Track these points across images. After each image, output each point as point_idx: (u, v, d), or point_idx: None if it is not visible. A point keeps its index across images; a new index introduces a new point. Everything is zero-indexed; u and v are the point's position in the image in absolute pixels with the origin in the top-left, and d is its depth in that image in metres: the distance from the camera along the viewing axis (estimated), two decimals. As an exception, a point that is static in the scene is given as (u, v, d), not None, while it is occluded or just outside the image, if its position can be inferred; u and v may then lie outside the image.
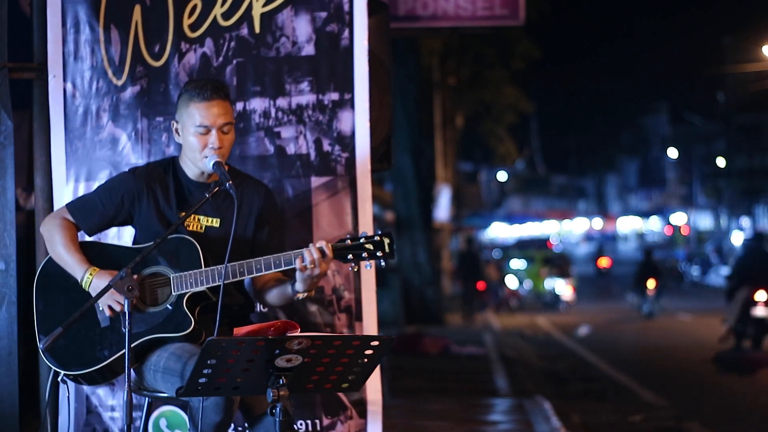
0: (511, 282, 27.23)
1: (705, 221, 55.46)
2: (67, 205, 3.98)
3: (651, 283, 22.86)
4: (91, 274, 3.74)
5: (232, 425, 4.11)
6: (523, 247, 34.92)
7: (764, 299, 13.44)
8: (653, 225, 69.85)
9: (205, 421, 3.55)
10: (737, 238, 41.56)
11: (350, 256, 3.67)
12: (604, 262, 35.47)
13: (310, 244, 3.66)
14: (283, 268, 3.69)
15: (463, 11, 9.44)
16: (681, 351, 14.97)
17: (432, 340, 14.02)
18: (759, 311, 13.40)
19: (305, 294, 3.75)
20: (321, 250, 3.63)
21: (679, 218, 59.94)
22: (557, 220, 67.21)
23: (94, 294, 3.70)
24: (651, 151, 69.78)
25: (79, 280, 3.77)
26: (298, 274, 3.68)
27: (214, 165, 3.77)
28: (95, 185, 4.60)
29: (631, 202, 77.59)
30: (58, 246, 3.84)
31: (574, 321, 21.62)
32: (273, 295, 3.87)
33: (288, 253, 3.69)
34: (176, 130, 3.89)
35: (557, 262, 28.20)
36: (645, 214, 71.23)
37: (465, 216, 41.96)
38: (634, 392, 10.77)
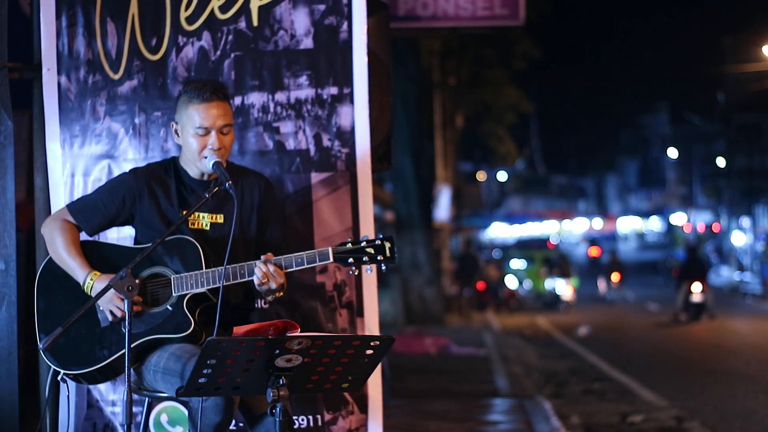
0: (511, 282, 27.26)
1: (705, 221, 55.43)
2: (67, 205, 3.97)
3: (615, 277, 29.23)
4: (92, 279, 3.74)
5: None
6: (523, 247, 34.99)
7: (699, 290, 20.40)
8: (653, 225, 69.84)
9: (205, 422, 3.55)
10: (738, 238, 41.60)
11: (351, 260, 3.67)
12: (593, 251, 38.81)
13: (263, 258, 3.67)
14: (284, 270, 3.69)
15: (463, 11, 9.44)
16: (681, 351, 14.97)
17: (432, 340, 14.02)
18: (695, 298, 20.47)
19: (271, 297, 3.76)
20: (277, 265, 3.65)
21: (679, 218, 59.93)
22: (557, 220, 67.19)
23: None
24: (651, 151, 69.79)
25: (81, 284, 3.77)
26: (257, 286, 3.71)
27: (213, 165, 3.77)
28: (91, 180, 4.61)
29: (631, 202, 77.58)
30: (59, 249, 3.84)
31: (574, 321, 21.62)
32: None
33: (289, 255, 3.69)
34: (176, 131, 3.89)
35: (557, 262, 28.23)
36: (645, 214, 71.23)
37: (465, 216, 41.94)
38: (634, 392, 10.75)
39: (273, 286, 3.67)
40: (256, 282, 3.68)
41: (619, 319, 22.36)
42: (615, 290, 29.59)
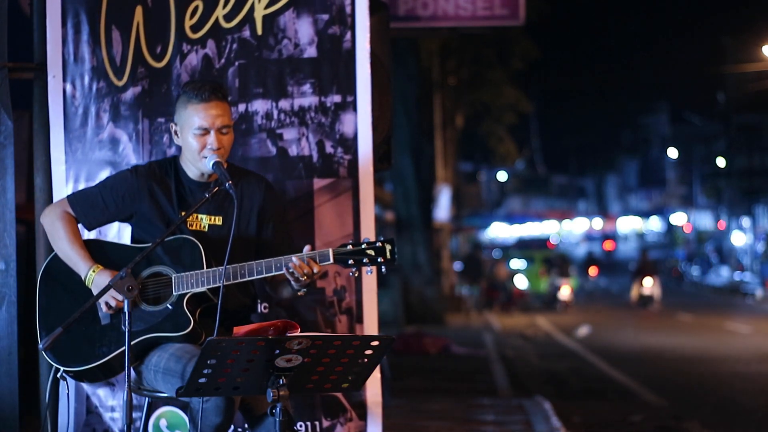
0: (520, 282, 27.28)
1: (705, 221, 55.43)
2: (68, 197, 3.98)
3: (593, 270, 35.58)
4: (93, 272, 3.75)
5: (232, 426, 4.11)
6: (523, 247, 35.12)
7: (649, 284, 25.73)
8: (653, 225, 69.84)
9: (206, 423, 3.55)
10: (738, 238, 41.62)
11: (351, 262, 3.68)
12: (608, 245, 42.34)
13: (305, 251, 3.67)
14: (283, 271, 3.70)
15: (463, 11, 9.44)
16: (681, 351, 14.97)
17: (432, 340, 14.01)
18: (645, 291, 25.80)
19: (304, 291, 3.77)
20: (308, 263, 3.65)
21: (679, 218, 59.92)
22: (557, 220, 67.18)
23: (95, 291, 3.72)
24: (651, 151, 69.76)
25: (83, 277, 3.78)
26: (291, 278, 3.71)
27: (213, 165, 3.77)
28: (94, 186, 4.61)
29: (631, 202, 77.54)
30: (62, 240, 3.84)
31: (574, 321, 21.63)
32: (282, 290, 3.89)
33: (288, 256, 3.70)
34: (175, 132, 3.89)
35: (557, 262, 28.30)
36: (645, 214, 71.20)
37: (465, 216, 41.96)
38: (634, 392, 10.76)
39: (308, 280, 3.67)
40: (295, 284, 3.69)
41: (619, 319, 22.38)
42: (592, 281, 35.77)
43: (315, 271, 3.68)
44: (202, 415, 3.54)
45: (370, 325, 4.68)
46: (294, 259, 3.66)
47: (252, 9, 4.68)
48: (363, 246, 3.69)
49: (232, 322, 3.76)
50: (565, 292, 26.43)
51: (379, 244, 3.69)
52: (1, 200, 4.73)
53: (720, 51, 40.36)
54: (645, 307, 25.34)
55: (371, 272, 3.72)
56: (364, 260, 3.68)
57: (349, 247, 3.70)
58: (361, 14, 4.70)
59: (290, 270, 3.66)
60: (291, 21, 4.69)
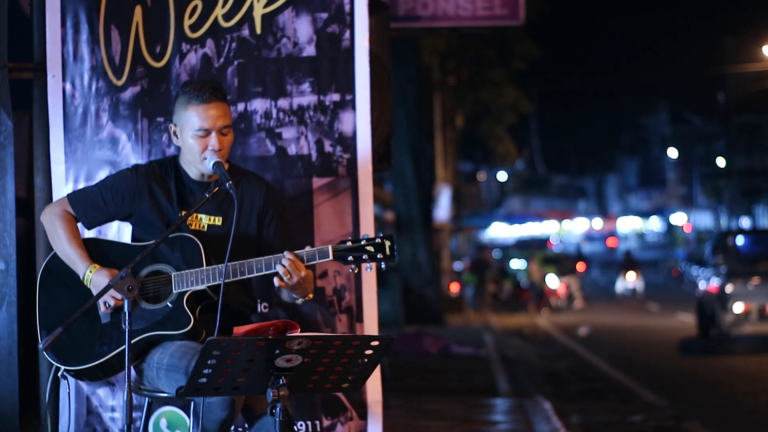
0: (552, 281, 27.25)
1: (705, 221, 55.42)
2: (67, 195, 3.97)
3: (580, 266, 36.68)
4: (91, 271, 3.76)
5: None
6: (522, 247, 35.23)
7: (632, 278, 30.22)
8: (653, 225, 69.87)
9: (211, 417, 3.55)
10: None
11: (351, 258, 3.67)
12: (611, 242, 43.99)
13: (284, 255, 3.66)
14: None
15: (463, 11, 9.45)
16: (681, 351, 14.97)
17: (432, 340, 14.01)
18: (629, 284, 30.30)
19: (301, 299, 3.77)
20: (290, 261, 3.64)
21: (679, 218, 59.94)
22: (557, 220, 67.20)
23: (94, 290, 3.73)
24: (651, 151, 69.81)
25: (81, 276, 3.78)
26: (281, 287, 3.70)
27: (214, 165, 3.77)
28: (94, 186, 4.61)
29: (631, 202, 77.59)
30: (61, 239, 3.85)
31: (574, 321, 21.63)
32: (283, 294, 3.88)
33: (283, 254, 3.68)
34: (174, 133, 3.88)
35: (556, 261, 28.42)
36: (645, 214, 71.25)
37: (465, 216, 41.99)
38: (634, 392, 10.76)
39: (295, 279, 3.65)
40: (277, 283, 3.67)
41: (619, 320, 22.38)
42: (580, 278, 37.52)
43: (303, 274, 3.66)
44: (208, 409, 3.54)
45: (370, 324, 4.68)
46: (283, 260, 3.65)
47: (251, 8, 4.67)
48: (362, 242, 3.67)
49: (233, 321, 3.75)
50: (561, 291, 26.63)
51: (378, 240, 3.67)
52: (1, 200, 4.73)
53: (720, 51, 40.36)
54: (628, 299, 29.00)
55: (371, 269, 3.71)
56: (364, 257, 3.66)
57: (349, 243, 3.69)
58: (360, 13, 4.69)
59: (280, 274, 3.64)
60: (290, 20, 4.69)
